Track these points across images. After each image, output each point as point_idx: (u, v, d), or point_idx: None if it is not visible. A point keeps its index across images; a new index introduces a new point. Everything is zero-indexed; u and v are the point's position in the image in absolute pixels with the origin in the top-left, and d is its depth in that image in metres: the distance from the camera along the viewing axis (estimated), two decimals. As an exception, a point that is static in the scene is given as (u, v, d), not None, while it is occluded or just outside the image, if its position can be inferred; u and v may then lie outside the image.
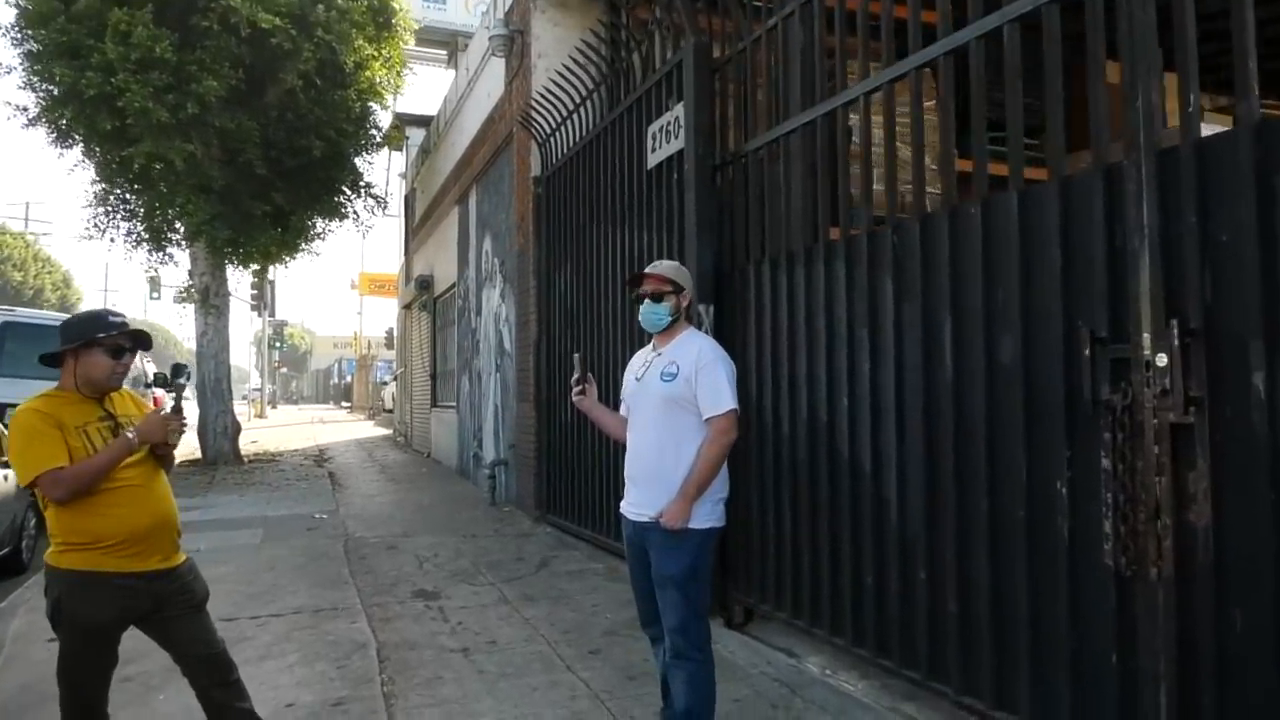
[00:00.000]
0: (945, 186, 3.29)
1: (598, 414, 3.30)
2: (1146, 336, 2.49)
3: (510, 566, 6.06)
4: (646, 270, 3.09)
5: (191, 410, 14.09)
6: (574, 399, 3.21)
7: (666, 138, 5.16)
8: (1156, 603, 2.46)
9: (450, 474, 11.99)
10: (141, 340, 2.73)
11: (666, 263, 3.13)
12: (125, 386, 2.85)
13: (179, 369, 2.84)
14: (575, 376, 3.20)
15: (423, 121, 16.83)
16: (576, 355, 3.13)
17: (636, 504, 3.02)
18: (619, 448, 5.98)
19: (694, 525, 2.90)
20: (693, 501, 2.89)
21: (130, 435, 2.61)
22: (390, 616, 4.80)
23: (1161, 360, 2.44)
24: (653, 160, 5.41)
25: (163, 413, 2.69)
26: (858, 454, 3.68)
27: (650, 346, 3.16)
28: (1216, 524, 2.33)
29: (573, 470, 6.94)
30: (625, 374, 3.25)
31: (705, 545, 2.96)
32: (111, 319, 2.68)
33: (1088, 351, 2.61)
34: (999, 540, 2.98)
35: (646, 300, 3.03)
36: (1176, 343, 2.40)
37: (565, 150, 7.19)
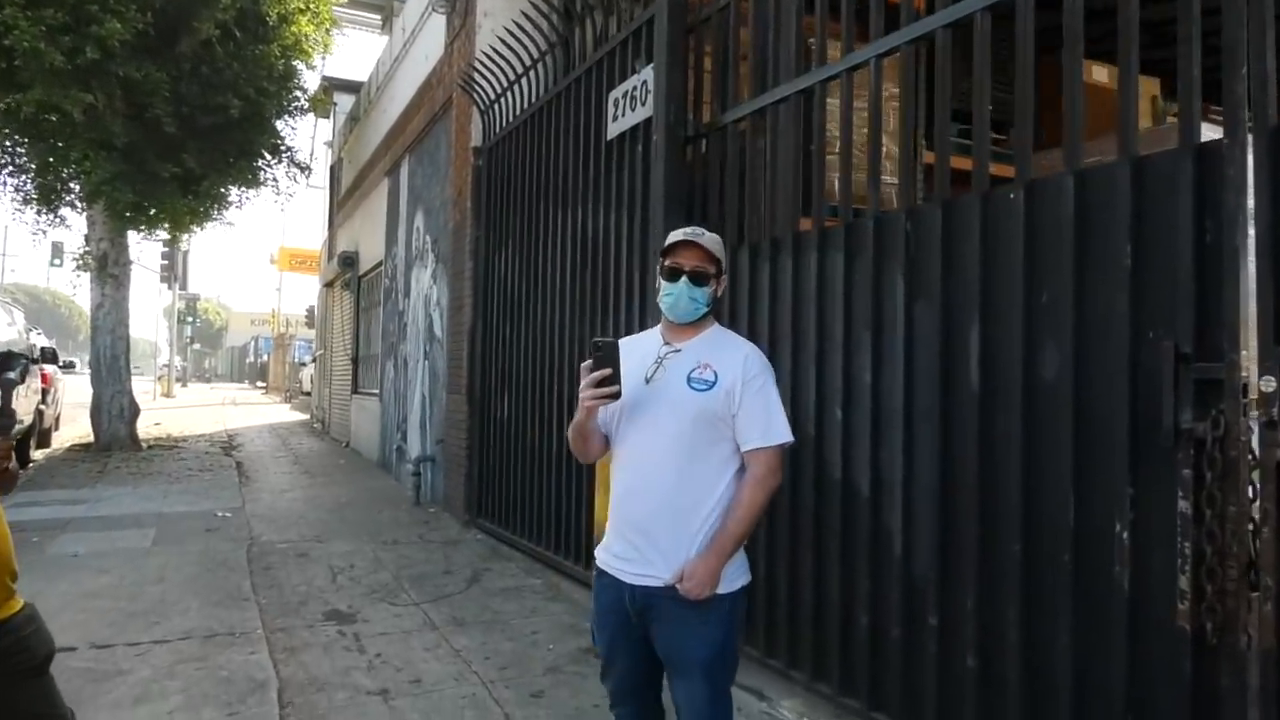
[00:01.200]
0: (978, 165, 2.81)
1: (591, 428, 2.22)
2: (1247, 354, 2.05)
3: (437, 581, 5.45)
4: (684, 236, 2.20)
5: (83, 389, 12.96)
6: (588, 400, 2.10)
7: (631, 104, 4.61)
8: (1248, 679, 2.03)
9: (370, 467, 11.24)
10: None
11: (710, 234, 2.24)
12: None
13: (8, 359, 2.18)
14: (594, 368, 2.09)
15: (352, 87, 15.86)
16: (601, 340, 2.11)
17: (636, 561, 2.15)
18: (564, 448, 5.47)
19: (723, 589, 2.12)
20: (726, 562, 2.12)
21: None
22: (297, 645, 4.16)
23: (1269, 384, 2.00)
24: (614, 130, 4.84)
25: None
26: (853, 475, 3.21)
27: (653, 336, 2.29)
28: (1338, 590, 1.90)
29: (509, 471, 6.36)
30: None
31: (736, 610, 2.18)
32: None
33: (1170, 371, 2.15)
34: (1034, 588, 2.53)
35: (684, 279, 2.16)
36: (1290, 364, 1.96)
37: (511, 118, 6.57)
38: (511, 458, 6.31)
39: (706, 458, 2.14)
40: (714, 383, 2.14)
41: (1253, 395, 2.02)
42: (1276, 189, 2.01)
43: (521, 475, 6.10)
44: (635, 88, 4.57)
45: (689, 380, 2.15)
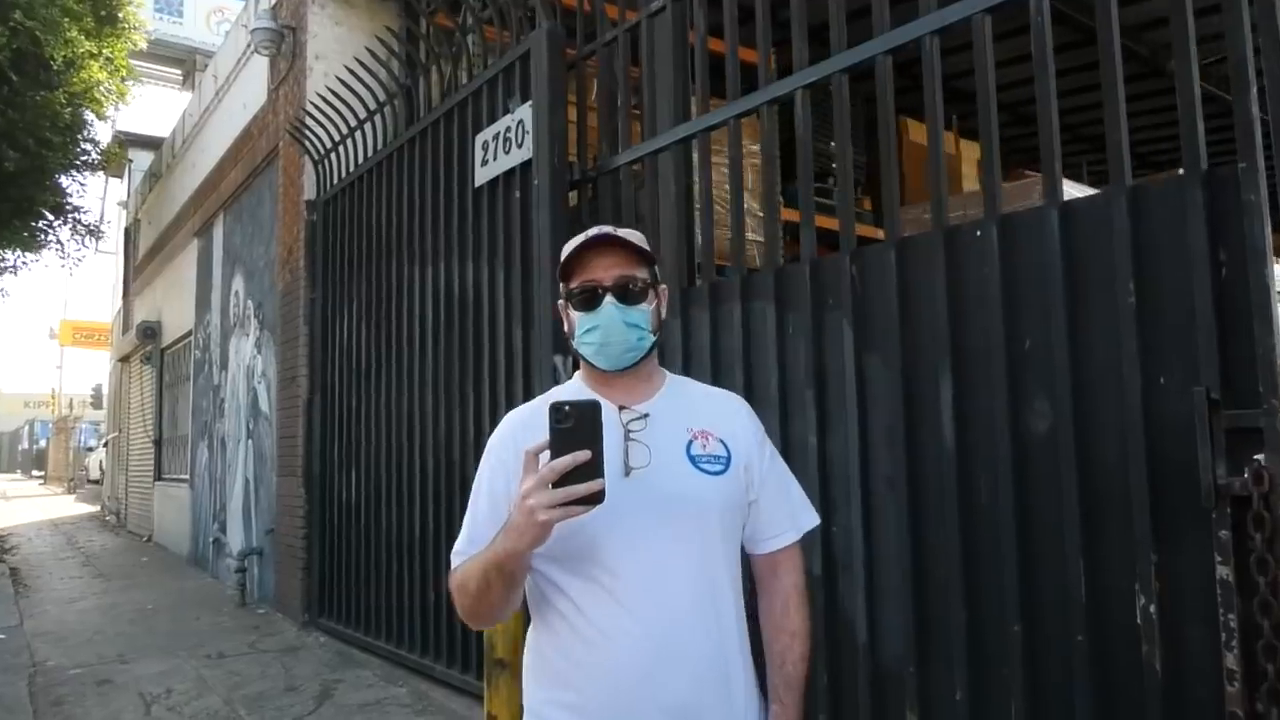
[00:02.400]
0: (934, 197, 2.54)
1: (522, 569, 1.30)
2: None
3: (279, 702, 4.56)
4: (594, 235, 1.42)
5: None
6: (552, 512, 1.17)
7: (505, 147, 4.14)
8: (1326, 772, 1.75)
9: (180, 564, 9.83)
10: None
11: (626, 230, 1.47)
12: None
13: None
14: (559, 449, 1.19)
15: (151, 143, 14.43)
16: (572, 403, 1.21)
17: None
18: (427, 533, 4.81)
19: None
20: None
21: None
22: (102, 815, 3.23)
23: (1321, 431, 1.77)
24: (483, 176, 4.35)
25: None
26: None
27: (575, 394, 1.44)
28: None
29: (358, 563, 5.55)
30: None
31: None
32: None
33: (1204, 421, 1.89)
34: (1042, 674, 2.20)
35: (609, 300, 1.39)
36: (1344, 407, 1.74)
37: (351, 168, 5.93)
38: (361, 547, 5.52)
39: (735, 579, 1.45)
40: (728, 457, 1.44)
41: (1306, 444, 1.78)
42: (1307, 214, 1.81)
43: (374, 567, 5.32)
44: (509, 129, 4.12)
45: (693, 460, 1.41)
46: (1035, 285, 2.24)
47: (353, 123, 5.80)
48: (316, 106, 6.00)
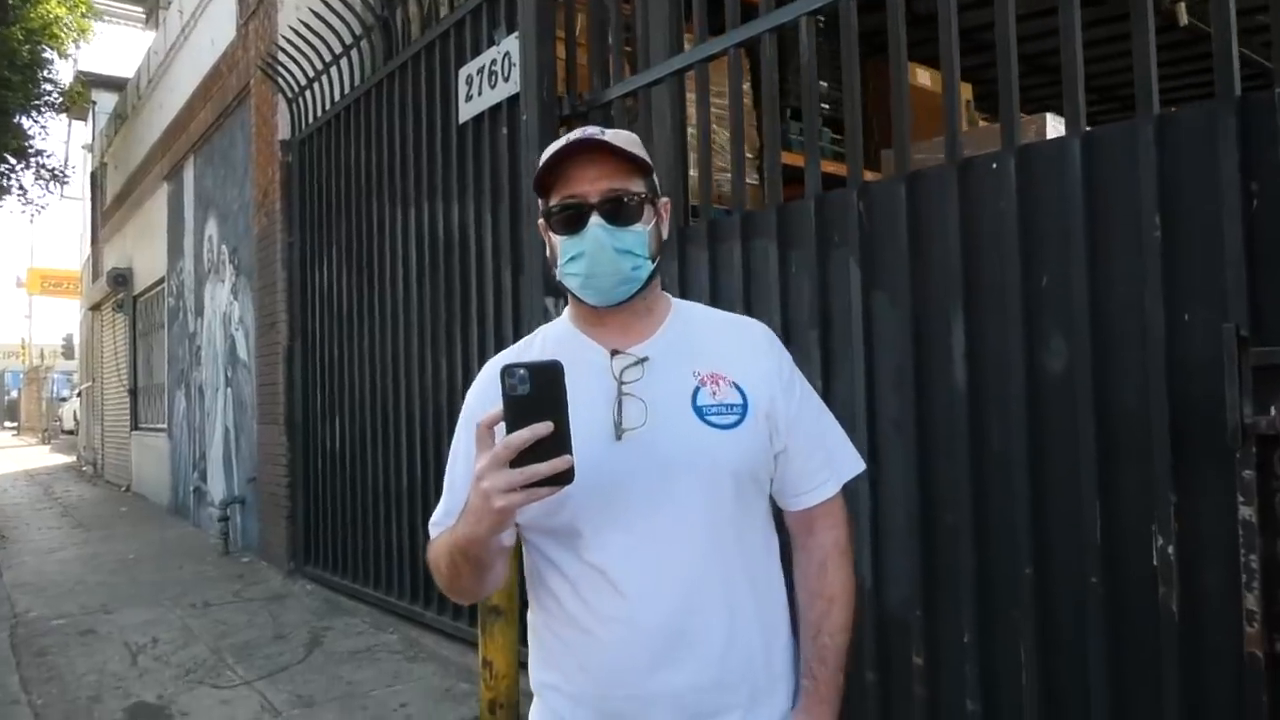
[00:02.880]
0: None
1: (494, 549, 1.11)
2: (1314, 334, 1.76)
3: (268, 650, 4.52)
4: (577, 138, 1.17)
5: None
6: (510, 497, 0.99)
7: (490, 81, 3.97)
8: (1345, 711, 1.73)
9: (160, 514, 9.73)
10: None
11: (618, 130, 1.24)
12: None
13: None
14: (515, 422, 1.00)
15: (115, 84, 13.95)
16: (524, 365, 1.00)
17: None
18: (415, 480, 4.74)
19: None
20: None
21: None
22: (92, 765, 3.19)
23: (1355, 368, 1.71)
24: (467, 112, 4.19)
25: None
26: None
27: (573, 344, 1.24)
28: None
29: (344, 510, 5.48)
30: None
31: None
32: None
33: (1233, 358, 1.83)
34: (1052, 617, 2.17)
35: (596, 220, 1.16)
36: (1380, 342, 1.68)
37: (327, 106, 5.71)
38: (347, 494, 5.44)
39: (758, 545, 1.24)
40: (744, 405, 1.19)
41: (1339, 381, 1.72)
42: (1348, 142, 1.73)
43: (361, 514, 5.25)
44: (494, 62, 3.94)
45: (700, 412, 1.17)
46: (1054, 219, 2.16)
47: (328, 58, 5.56)
48: (289, 41, 5.75)
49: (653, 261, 1.22)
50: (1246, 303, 1.85)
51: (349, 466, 5.42)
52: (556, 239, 1.20)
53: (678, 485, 1.16)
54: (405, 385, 4.77)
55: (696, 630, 1.16)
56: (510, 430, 0.99)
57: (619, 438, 1.16)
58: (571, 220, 1.17)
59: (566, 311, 1.31)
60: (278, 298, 6.25)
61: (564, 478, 1.00)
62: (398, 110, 4.86)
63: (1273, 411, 1.80)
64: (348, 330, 5.44)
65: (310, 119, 5.94)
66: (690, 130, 3.48)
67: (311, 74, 5.74)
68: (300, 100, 5.98)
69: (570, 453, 1.00)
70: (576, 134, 1.19)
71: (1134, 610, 2.02)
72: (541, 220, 1.24)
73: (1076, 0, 2.16)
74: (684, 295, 3.10)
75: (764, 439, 1.22)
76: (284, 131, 6.24)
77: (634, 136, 1.23)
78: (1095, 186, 2.09)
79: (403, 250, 4.82)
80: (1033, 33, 3.98)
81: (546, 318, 3.55)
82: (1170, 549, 1.96)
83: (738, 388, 1.21)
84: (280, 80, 6.00)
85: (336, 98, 5.58)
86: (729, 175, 3.20)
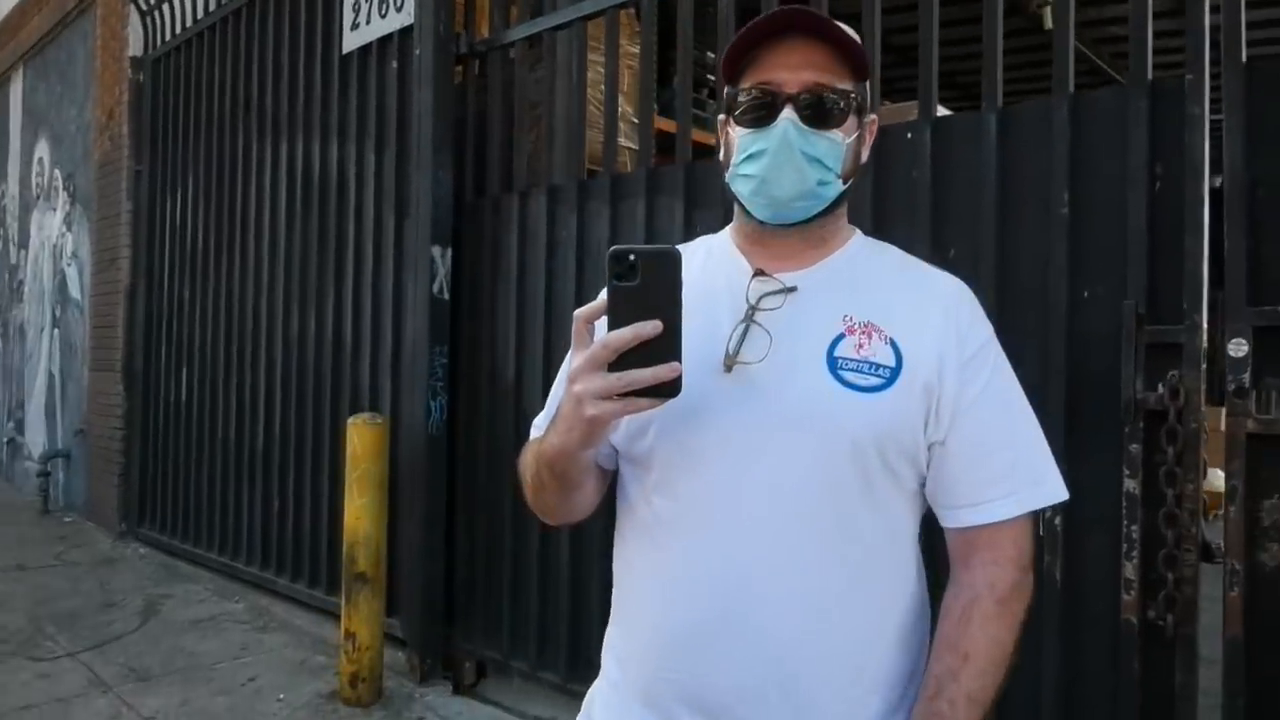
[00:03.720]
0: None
1: (585, 463, 1.02)
2: (1205, 314, 1.88)
3: (96, 619, 4.18)
4: (797, 10, 0.99)
5: None
6: (610, 405, 0.88)
7: (381, 9, 3.76)
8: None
9: (-34, 468, 8.87)
10: None
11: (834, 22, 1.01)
12: None
13: None
14: (620, 317, 0.88)
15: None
16: (636, 250, 0.88)
17: None
18: (271, 437, 4.47)
19: None
20: None
21: None
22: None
23: (1239, 348, 1.83)
24: (352, 41, 3.95)
25: None
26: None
27: (719, 257, 1.10)
28: (1317, 572, 1.77)
29: (188, 468, 5.13)
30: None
31: None
32: None
33: (1131, 335, 1.93)
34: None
35: (789, 114, 0.98)
36: (1263, 323, 1.81)
37: (189, 23, 5.28)
38: (192, 452, 5.10)
39: (880, 544, 1.03)
40: (895, 369, 1.00)
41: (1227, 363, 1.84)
42: (1249, 129, 1.84)
43: (208, 474, 4.93)
44: (387, -12, 3.73)
45: (833, 365, 1.00)
46: (967, 192, 2.21)
47: (192, -32, 5.14)
48: (147, -54, 5.28)
49: (844, 183, 1.04)
50: (1145, 282, 1.95)
51: (195, 421, 5.07)
52: (735, 133, 1.03)
53: (783, 442, 0.98)
54: (267, 334, 4.49)
55: (764, 620, 0.98)
56: (612, 327, 0.87)
57: (728, 369, 0.99)
58: (760, 112, 1.00)
59: (727, 229, 1.13)
60: (120, 231, 5.76)
61: (670, 388, 0.87)
62: (272, 33, 4.54)
63: (1160, 388, 1.91)
64: (202, 271, 5.07)
65: (167, 35, 5.48)
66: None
67: (171, -15, 5.29)
68: (157, 13, 5.50)
69: (679, 359, 0.87)
70: (787, 9, 1.00)
71: (1020, 579, 2.11)
72: (722, 115, 1.06)
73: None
74: (581, 253, 3.05)
75: (914, 415, 1.00)
76: (135, 48, 5.73)
77: (855, 34, 1.03)
78: (1008, 161, 2.16)
79: (270, 187, 4.52)
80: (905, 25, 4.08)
81: (432, 268, 3.41)
82: (1057, 520, 2.05)
83: (894, 346, 1.00)
84: (134, -11, 5.50)
85: (200, 14, 5.16)
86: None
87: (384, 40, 3.79)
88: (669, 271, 0.88)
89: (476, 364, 3.45)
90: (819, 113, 0.99)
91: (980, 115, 2.21)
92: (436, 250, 3.45)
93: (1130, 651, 1.94)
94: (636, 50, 3.45)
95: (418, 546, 3.42)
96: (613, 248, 0.89)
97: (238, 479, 4.66)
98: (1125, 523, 1.96)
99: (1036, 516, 1.07)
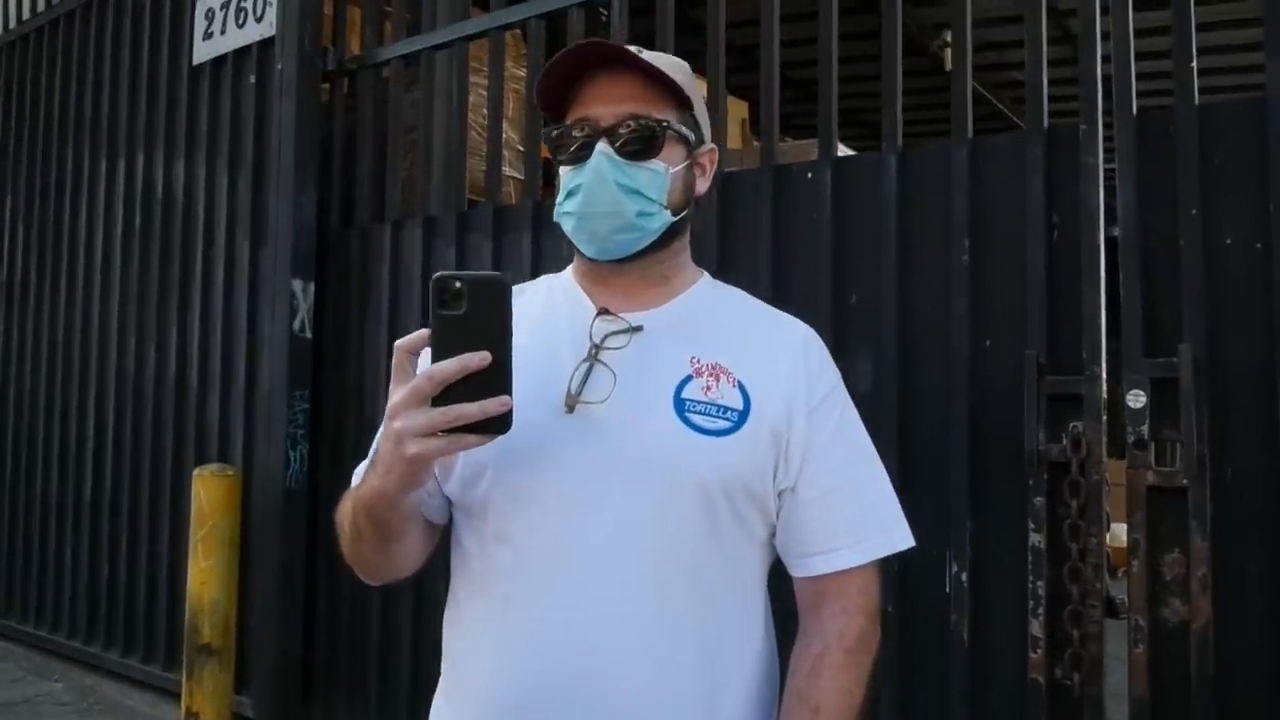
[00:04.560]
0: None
1: (408, 508, 0.95)
2: (1105, 366, 1.94)
3: (-122, 707, 3.72)
4: (592, 44, 1.02)
5: None
6: (431, 443, 0.84)
7: (238, 19, 3.58)
8: (1114, 733, 1.90)
9: None
10: None
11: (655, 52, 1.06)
12: None
13: None
14: (445, 345, 0.84)
15: None
16: (460, 276, 0.85)
17: None
18: (98, 494, 4.09)
19: None
20: None
21: None
22: None
23: (1138, 399, 1.89)
24: (206, 52, 3.74)
25: None
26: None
27: (562, 297, 1.10)
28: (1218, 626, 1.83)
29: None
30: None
31: None
32: None
33: (1032, 386, 1.97)
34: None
35: (603, 148, 1.00)
36: (1160, 375, 1.87)
37: (11, 25, 4.91)
38: (3, 508, 4.65)
39: (727, 593, 1.03)
40: (743, 411, 1.00)
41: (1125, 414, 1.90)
42: (1142, 179, 1.92)
43: (23, 532, 4.50)
44: (245, -3, 3.55)
45: (680, 406, 1.00)
46: (868, 234, 2.23)
47: (17, -37, 4.78)
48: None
49: (672, 214, 1.03)
50: (1045, 332, 2.00)
51: (9, 472, 4.63)
52: (562, 171, 1.05)
53: (627, 485, 0.97)
54: (97, 375, 4.15)
55: (607, 676, 0.96)
56: (437, 358, 0.83)
57: (570, 409, 0.98)
58: (577, 148, 1.02)
59: (569, 268, 1.13)
60: (-79, 254, 5.25)
61: (499, 424, 0.84)
62: (110, 40, 4.24)
63: (1063, 440, 1.96)
64: (20, 302, 4.66)
65: (-13, 36, 5.07)
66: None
67: (-8, -19, 4.91)
68: (-26, 12, 5.09)
69: (510, 393, 0.83)
70: (595, 42, 1.02)
71: (926, 637, 2.11)
72: (545, 136, 1.08)
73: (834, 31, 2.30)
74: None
75: (762, 459, 1.00)
76: (-54, 48, 5.28)
77: (681, 62, 1.07)
78: (909, 204, 2.19)
79: (105, 209, 4.20)
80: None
81: (293, 304, 3.23)
82: (964, 576, 2.07)
83: (742, 389, 1.01)
84: (-54, -16, 5.07)
85: (26, 15, 4.80)
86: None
87: (241, 52, 3.60)
88: (498, 300, 0.85)
89: (342, 410, 3.27)
90: (634, 143, 1.01)
91: (881, 156, 2.24)
92: (298, 284, 3.27)
93: (1038, 713, 1.96)
94: (523, 74, 3.38)
95: (273, 612, 3.18)
96: (437, 274, 0.85)
97: (59, 540, 4.26)
98: (1031, 578, 1.98)
99: (883, 565, 1.10)
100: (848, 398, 1.11)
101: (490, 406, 0.83)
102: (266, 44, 3.46)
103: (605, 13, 2.87)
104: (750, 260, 2.39)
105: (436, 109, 3.29)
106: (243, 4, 3.56)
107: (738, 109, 5.49)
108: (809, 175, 2.34)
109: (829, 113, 2.34)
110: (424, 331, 0.86)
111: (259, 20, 3.48)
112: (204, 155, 3.73)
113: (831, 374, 1.09)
